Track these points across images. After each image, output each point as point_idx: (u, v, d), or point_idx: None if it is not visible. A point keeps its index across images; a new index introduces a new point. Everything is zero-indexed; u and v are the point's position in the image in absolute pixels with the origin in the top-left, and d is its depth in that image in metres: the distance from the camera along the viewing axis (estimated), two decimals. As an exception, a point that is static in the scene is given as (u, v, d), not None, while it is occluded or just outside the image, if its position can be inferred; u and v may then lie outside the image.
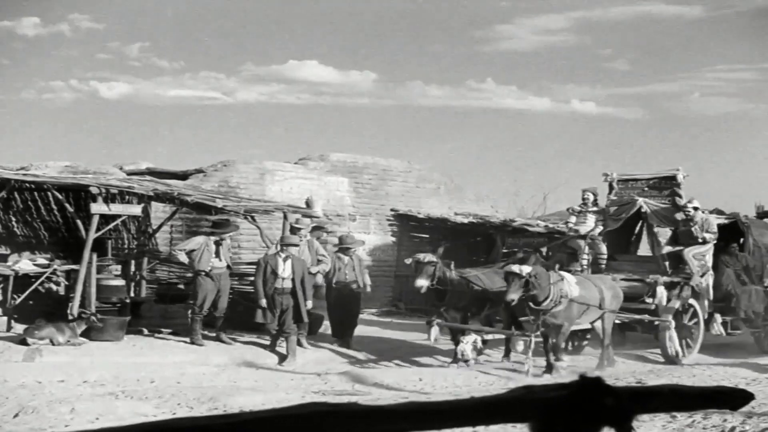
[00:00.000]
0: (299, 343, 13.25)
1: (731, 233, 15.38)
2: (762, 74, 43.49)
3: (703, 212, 14.95)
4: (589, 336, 14.19)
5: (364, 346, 14.10)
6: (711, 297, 14.55)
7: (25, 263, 14.12)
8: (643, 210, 15.47)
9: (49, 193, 15.07)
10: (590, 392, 1.95)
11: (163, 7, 45.39)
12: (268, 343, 13.31)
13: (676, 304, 14.12)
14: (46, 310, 13.07)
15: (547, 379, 11.71)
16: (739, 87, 46.67)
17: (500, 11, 46.39)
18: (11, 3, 39.36)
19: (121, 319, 13.08)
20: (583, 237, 15.30)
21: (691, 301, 14.36)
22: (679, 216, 14.92)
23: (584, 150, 43.45)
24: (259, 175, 19.69)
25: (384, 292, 20.19)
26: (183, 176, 19.68)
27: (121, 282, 13.98)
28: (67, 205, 14.20)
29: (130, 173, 18.74)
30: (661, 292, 14.05)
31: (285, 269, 12.92)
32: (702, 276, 14.38)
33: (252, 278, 13.66)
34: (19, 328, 12.85)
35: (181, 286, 15.23)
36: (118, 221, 14.51)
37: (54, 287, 13.94)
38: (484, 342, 13.10)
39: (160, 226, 15.91)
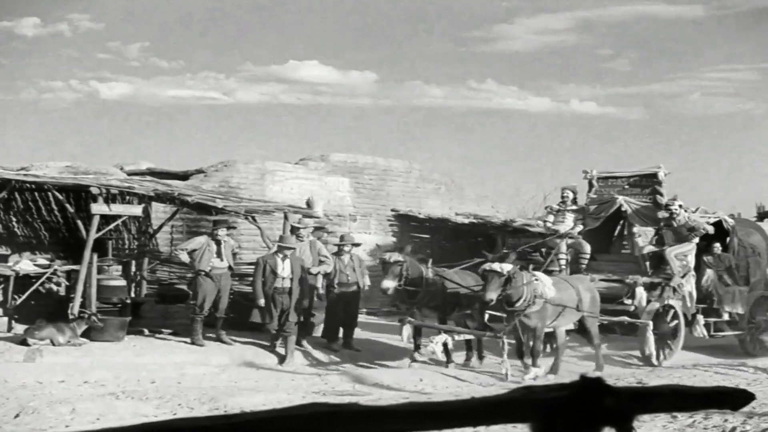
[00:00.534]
0: (299, 344, 13.24)
1: (716, 233, 14.84)
2: (762, 74, 43.52)
3: (686, 211, 14.56)
4: (568, 337, 13.49)
5: (365, 347, 14.08)
6: (694, 298, 14.12)
7: (26, 264, 14.12)
8: (623, 209, 15.07)
9: (50, 194, 15.06)
10: (591, 392, 1.95)
11: (163, 7, 45.42)
12: (267, 343, 13.31)
13: (656, 305, 13.69)
14: (47, 311, 13.05)
15: (540, 381, 11.66)
16: (739, 87, 46.64)
17: (500, 11, 46.47)
18: (11, 3, 39.36)
19: (122, 319, 13.07)
20: (562, 236, 14.86)
21: (672, 302, 13.88)
22: (662, 214, 14.48)
23: (584, 150, 43.42)
24: (260, 175, 19.68)
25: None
26: (183, 176, 19.65)
27: (121, 282, 13.96)
28: (67, 205, 14.20)
29: (131, 173, 18.71)
30: (641, 293, 13.59)
31: (284, 269, 12.92)
32: (683, 277, 13.92)
33: (252, 278, 13.65)
34: (19, 328, 12.85)
35: (182, 287, 15.22)
36: (119, 221, 14.52)
37: (54, 288, 13.92)
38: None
39: (160, 227, 15.91)
